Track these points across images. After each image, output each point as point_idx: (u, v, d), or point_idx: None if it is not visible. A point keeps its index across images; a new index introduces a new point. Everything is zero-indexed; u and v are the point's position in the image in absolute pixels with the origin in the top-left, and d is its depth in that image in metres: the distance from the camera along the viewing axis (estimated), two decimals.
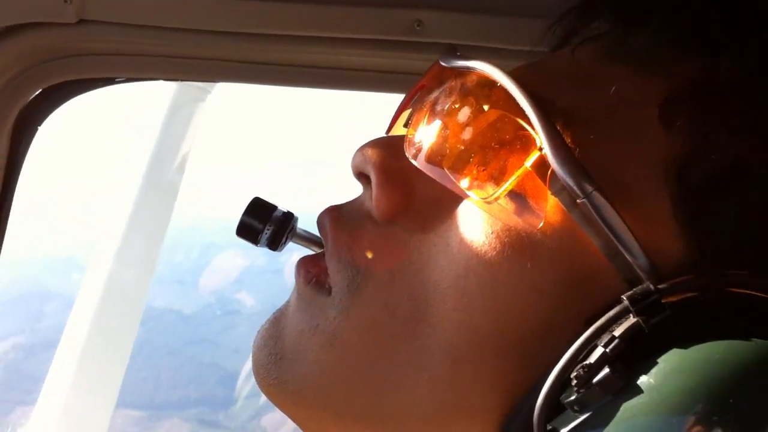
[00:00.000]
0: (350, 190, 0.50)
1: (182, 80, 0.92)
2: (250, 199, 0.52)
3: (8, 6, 0.75)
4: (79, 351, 2.27)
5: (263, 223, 0.51)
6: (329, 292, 0.45)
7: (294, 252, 0.52)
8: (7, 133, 0.84)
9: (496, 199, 0.40)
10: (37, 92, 0.85)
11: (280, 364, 0.45)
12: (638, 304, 0.35)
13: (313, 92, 0.87)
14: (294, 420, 0.46)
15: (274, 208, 0.52)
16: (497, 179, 0.40)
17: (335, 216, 0.47)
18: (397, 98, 0.52)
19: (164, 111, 1.94)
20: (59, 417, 2.31)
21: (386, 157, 0.45)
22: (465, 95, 0.43)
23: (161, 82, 0.88)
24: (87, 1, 0.75)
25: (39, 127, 0.87)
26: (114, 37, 0.79)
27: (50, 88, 0.85)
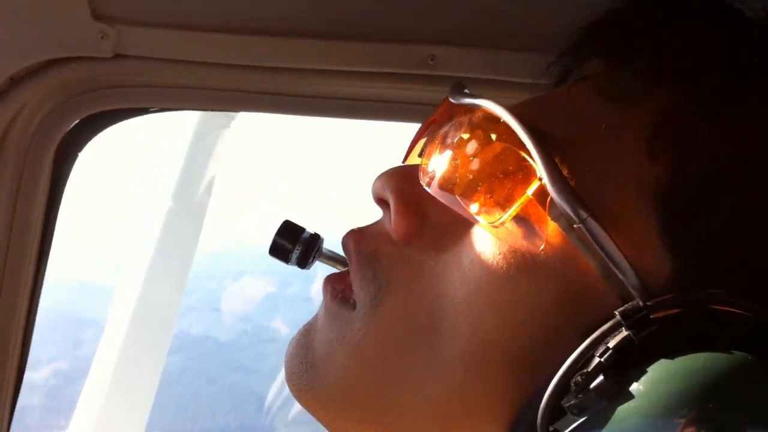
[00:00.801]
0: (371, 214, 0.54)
1: (209, 110, 0.97)
2: (281, 222, 0.56)
3: (50, 41, 0.81)
4: (111, 372, 2.31)
5: (293, 244, 0.56)
6: (354, 306, 0.49)
7: (319, 280, 0.55)
8: (50, 159, 0.89)
9: (502, 223, 0.44)
10: (76, 121, 0.90)
11: (311, 372, 0.49)
12: (629, 319, 0.39)
13: (334, 122, 0.91)
14: (321, 421, 0.50)
15: (302, 230, 0.57)
16: (503, 205, 0.44)
17: (358, 237, 0.51)
18: (413, 128, 0.56)
19: (190, 137, 2.00)
20: None
21: (403, 184, 0.50)
22: (472, 129, 0.48)
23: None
24: (122, 37, 0.80)
25: (79, 154, 0.92)
26: (147, 71, 0.84)
27: (88, 117, 0.90)
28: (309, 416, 0.52)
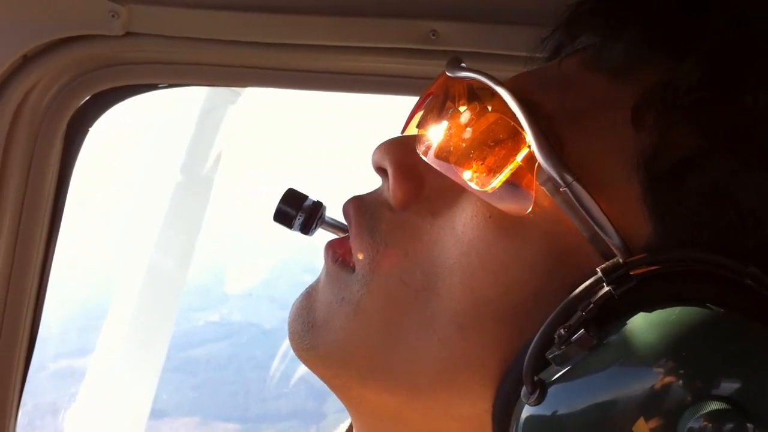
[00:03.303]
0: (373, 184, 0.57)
1: (217, 86, 1.00)
2: (284, 190, 0.59)
3: (62, 20, 0.83)
4: (120, 345, 2.35)
5: (296, 211, 0.58)
6: (353, 269, 0.51)
7: None
8: (61, 134, 0.92)
9: (494, 188, 0.46)
10: (87, 98, 0.93)
11: (312, 332, 0.52)
12: (610, 276, 0.41)
13: (337, 97, 0.93)
14: (323, 379, 0.53)
15: (305, 197, 0.59)
16: (494, 172, 0.47)
17: (358, 204, 0.54)
18: (414, 101, 0.59)
19: (197, 112, 2.02)
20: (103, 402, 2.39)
21: (401, 154, 0.52)
22: (467, 100, 0.50)
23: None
24: (133, 16, 0.83)
25: (90, 129, 0.95)
26: (157, 48, 0.87)
27: (99, 93, 0.93)
28: None
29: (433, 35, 0.81)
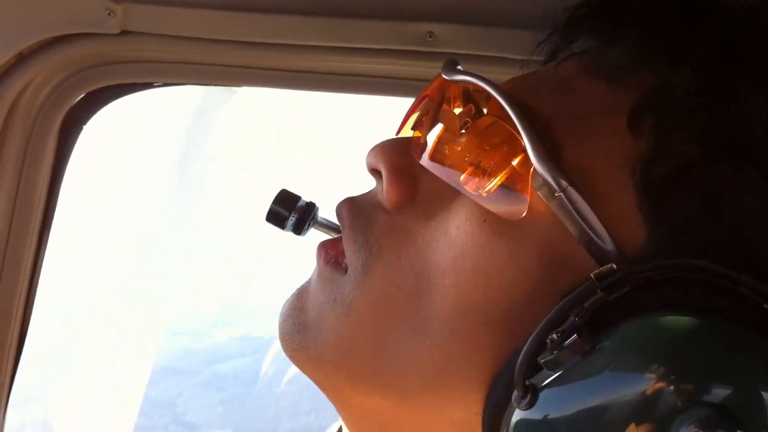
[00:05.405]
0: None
1: (212, 85, 1.00)
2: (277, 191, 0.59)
3: (58, 18, 0.83)
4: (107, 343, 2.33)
5: (289, 211, 0.58)
6: (345, 270, 0.51)
7: None
8: (55, 132, 0.92)
9: (489, 192, 0.46)
10: (82, 96, 0.93)
11: (303, 332, 0.52)
12: (603, 281, 0.41)
13: (332, 97, 0.93)
14: (313, 380, 0.53)
15: (298, 198, 0.59)
16: (489, 175, 0.47)
17: (351, 205, 0.53)
18: (409, 102, 0.59)
19: (193, 110, 2.01)
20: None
21: (395, 156, 0.52)
22: (463, 103, 0.50)
23: None
24: (129, 14, 0.82)
25: (84, 127, 0.95)
26: (152, 47, 0.87)
27: (94, 92, 0.93)
28: None
29: (430, 37, 0.80)
